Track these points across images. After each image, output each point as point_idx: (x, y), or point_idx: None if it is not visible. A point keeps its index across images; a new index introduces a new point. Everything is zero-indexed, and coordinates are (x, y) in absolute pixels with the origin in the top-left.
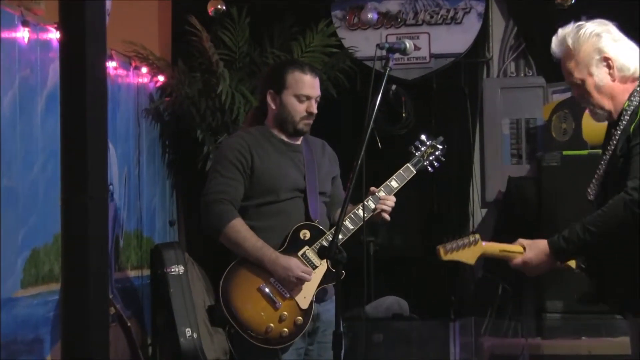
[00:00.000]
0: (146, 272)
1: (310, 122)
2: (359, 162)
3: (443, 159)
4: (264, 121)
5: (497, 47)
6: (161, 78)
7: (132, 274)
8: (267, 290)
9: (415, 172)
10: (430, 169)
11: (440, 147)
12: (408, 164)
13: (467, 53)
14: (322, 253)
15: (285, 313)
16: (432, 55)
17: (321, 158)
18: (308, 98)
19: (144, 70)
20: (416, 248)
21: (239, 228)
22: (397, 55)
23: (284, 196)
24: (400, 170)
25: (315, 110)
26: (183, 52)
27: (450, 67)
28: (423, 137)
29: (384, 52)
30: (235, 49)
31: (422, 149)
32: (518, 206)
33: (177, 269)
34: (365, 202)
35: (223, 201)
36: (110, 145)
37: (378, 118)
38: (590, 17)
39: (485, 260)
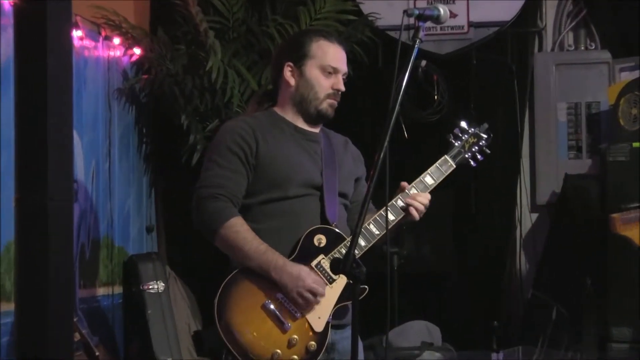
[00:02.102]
0: (118, 289)
1: (335, 103)
2: (382, 155)
3: (488, 151)
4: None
5: (551, 14)
6: (137, 51)
7: (100, 291)
8: (273, 308)
9: (454, 166)
10: (472, 162)
11: (484, 136)
12: (446, 156)
13: (514, 21)
14: (335, 266)
15: (296, 337)
16: (471, 24)
17: (343, 155)
18: (335, 72)
19: (116, 41)
20: (450, 261)
21: (239, 228)
22: (428, 24)
23: (294, 192)
24: (437, 164)
25: (343, 87)
26: (164, 19)
27: (494, 38)
28: (464, 124)
29: (412, 20)
30: (229, 16)
31: (463, 138)
32: (577, 210)
33: (156, 286)
34: (394, 202)
35: (219, 197)
36: (75, 134)
37: (405, 101)
38: None
39: (537, 276)
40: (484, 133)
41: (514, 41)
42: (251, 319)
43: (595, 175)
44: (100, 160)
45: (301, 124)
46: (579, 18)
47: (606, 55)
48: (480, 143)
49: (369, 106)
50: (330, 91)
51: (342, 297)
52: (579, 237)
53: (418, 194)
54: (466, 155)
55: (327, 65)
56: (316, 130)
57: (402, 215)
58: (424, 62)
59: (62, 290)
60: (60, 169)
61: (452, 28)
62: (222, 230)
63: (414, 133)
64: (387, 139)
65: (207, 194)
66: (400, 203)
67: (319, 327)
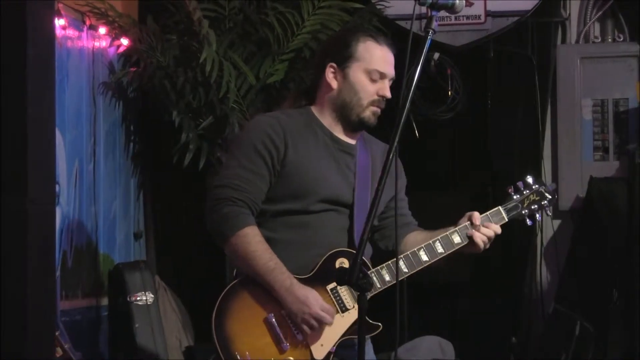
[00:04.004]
0: (103, 301)
1: (379, 111)
2: (391, 156)
3: (549, 214)
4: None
5: (576, 3)
6: (125, 41)
7: (84, 303)
8: (275, 323)
9: (507, 220)
10: (528, 221)
11: (549, 197)
12: (500, 207)
13: (535, 11)
14: (340, 276)
15: (292, 359)
16: (488, 14)
17: (380, 168)
18: (382, 77)
19: (102, 30)
20: (465, 271)
21: (251, 239)
22: (442, 13)
23: (315, 207)
24: (488, 214)
25: (389, 94)
26: (154, 7)
27: (513, 29)
28: (530, 179)
29: (424, 9)
30: (224, 3)
31: (525, 193)
32: (603, 216)
33: (144, 297)
34: (448, 234)
35: (237, 202)
36: (57, 132)
37: (416, 97)
38: None
39: (559, 288)
40: (549, 194)
41: (535, 32)
42: (249, 330)
43: (623, 179)
44: (84, 160)
45: (338, 132)
46: (606, 7)
47: (635, 47)
48: (543, 203)
49: None
50: (375, 97)
51: (352, 329)
52: (605, 246)
53: (487, 226)
54: (523, 212)
55: (374, 69)
56: (353, 141)
57: (457, 248)
58: (437, 55)
59: (43, 302)
60: (42, 170)
61: (467, 18)
62: (233, 238)
63: (426, 132)
64: (397, 138)
65: (224, 196)
66: (456, 238)
67: (319, 354)
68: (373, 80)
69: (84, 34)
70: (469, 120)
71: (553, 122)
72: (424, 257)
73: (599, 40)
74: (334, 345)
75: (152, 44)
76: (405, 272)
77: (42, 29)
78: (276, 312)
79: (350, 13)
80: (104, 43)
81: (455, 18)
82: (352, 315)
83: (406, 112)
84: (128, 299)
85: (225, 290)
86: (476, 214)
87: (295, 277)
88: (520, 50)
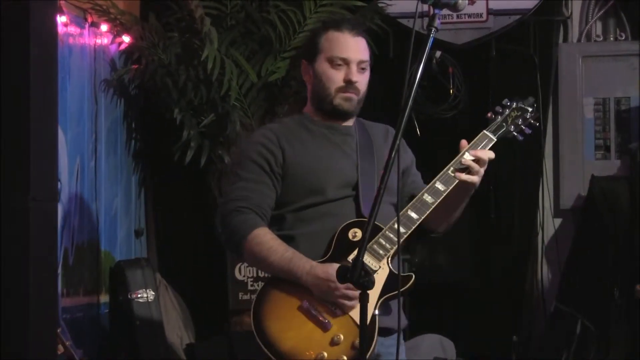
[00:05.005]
0: (104, 298)
1: (352, 95)
2: (393, 154)
3: (537, 124)
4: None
5: (577, 2)
6: (126, 39)
7: (85, 300)
8: (310, 307)
9: (495, 139)
10: (518, 136)
11: (529, 109)
12: (485, 131)
13: (537, 9)
14: (342, 274)
15: (341, 335)
16: (490, 12)
17: (383, 146)
18: (345, 62)
19: (104, 27)
20: (466, 270)
21: (262, 238)
22: (444, 11)
23: (334, 195)
24: (474, 140)
25: (355, 78)
26: (156, 4)
27: (515, 27)
28: (505, 100)
29: (427, 7)
30: (226, 1)
31: (505, 112)
32: (604, 215)
33: (145, 295)
34: (452, 164)
35: (242, 210)
36: (58, 129)
37: (418, 96)
38: None
39: (560, 287)
40: (529, 105)
41: (537, 31)
42: (289, 324)
43: (625, 177)
44: (86, 157)
45: (330, 121)
46: (608, 6)
47: (637, 46)
48: (527, 116)
49: (379, 101)
50: (342, 84)
51: (387, 288)
52: (607, 245)
53: (475, 154)
54: (510, 129)
55: (335, 56)
56: (349, 123)
57: (453, 185)
58: (438, 53)
59: (45, 299)
60: (44, 167)
61: (470, 16)
62: (246, 244)
63: (428, 130)
64: (399, 136)
65: (230, 208)
66: (450, 172)
67: None
68: (337, 67)
69: (85, 31)
70: (470, 119)
71: (555, 121)
72: (429, 199)
73: (601, 39)
74: (375, 308)
75: (154, 41)
76: (417, 219)
77: (45, 28)
78: (307, 296)
79: (352, 11)
80: (105, 40)
81: (458, 16)
82: (381, 275)
83: (408, 110)
84: (129, 296)
85: (255, 296)
86: (463, 142)
87: (318, 262)
88: (522, 48)
